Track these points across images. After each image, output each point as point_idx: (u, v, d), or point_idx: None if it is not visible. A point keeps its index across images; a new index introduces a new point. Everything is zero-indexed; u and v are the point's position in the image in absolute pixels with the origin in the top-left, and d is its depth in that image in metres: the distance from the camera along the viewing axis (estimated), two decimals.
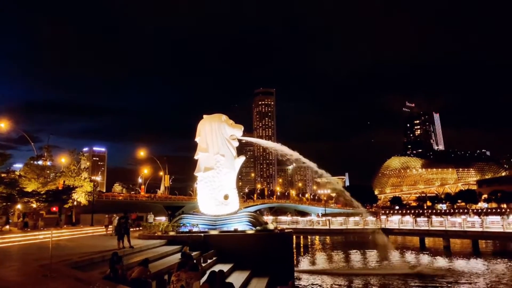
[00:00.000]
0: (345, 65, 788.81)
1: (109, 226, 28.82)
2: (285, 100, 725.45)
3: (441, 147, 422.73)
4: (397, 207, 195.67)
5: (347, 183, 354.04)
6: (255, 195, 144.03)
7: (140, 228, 29.31)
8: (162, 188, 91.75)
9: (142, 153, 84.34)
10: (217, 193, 26.39)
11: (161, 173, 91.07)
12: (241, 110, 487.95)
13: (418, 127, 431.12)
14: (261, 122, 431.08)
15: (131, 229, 22.13)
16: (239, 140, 27.80)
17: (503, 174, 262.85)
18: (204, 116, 28.01)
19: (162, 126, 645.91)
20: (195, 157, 27.07)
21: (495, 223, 39.05)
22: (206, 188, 26.63)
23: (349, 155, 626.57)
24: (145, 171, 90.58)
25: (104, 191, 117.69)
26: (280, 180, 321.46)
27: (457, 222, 41.66)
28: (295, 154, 28.53)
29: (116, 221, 25.69)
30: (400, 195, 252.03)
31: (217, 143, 26.38)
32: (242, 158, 28.07)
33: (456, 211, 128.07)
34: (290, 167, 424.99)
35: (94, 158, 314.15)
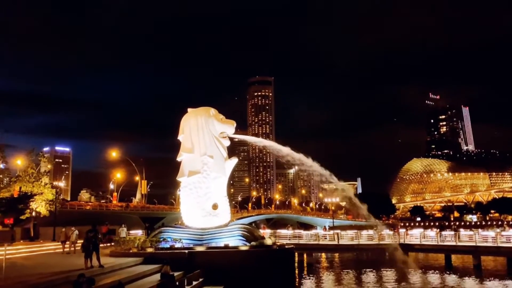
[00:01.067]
0: (357, 50, 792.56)
1: (66, 242, 28.17)
2: (286, 91, 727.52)
3: (471, 147, 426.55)
4: (418, 219, 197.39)
5: (360, 190, 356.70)
6: (250, 204, 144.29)
7: (112, 243, 29.21)
8: (138, 196, 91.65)
9: (114, 154, 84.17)
10: (204, 202, 26.49)
11: (137, 178, 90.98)
12: (233, 102, 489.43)
13: (444, 123, 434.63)
14: (257, 117, 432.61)
15: (101, 245, 22.06)
16: (231, 139, 28.01)
17: None
18: (189, 110, 28.20)
19: (139, 121, 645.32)
20: (178, 159, 27.21)
21: None
22: (191, 195, 26.74)
23: (362, 157, 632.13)
24: (118, 175, 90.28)
25: (69, 199, 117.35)
26: (280, 187, 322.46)
27: (490, 237, 41.97)
28: (299, 156, 28.62)
29: (75, 235, 25.58)
30: (422, 204, 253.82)
31: (204, 142, 26.51)
32: (235, 160, 28.20)
33: (489, 223, 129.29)
34: (292, 170, 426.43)
35: (57, 160, 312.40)
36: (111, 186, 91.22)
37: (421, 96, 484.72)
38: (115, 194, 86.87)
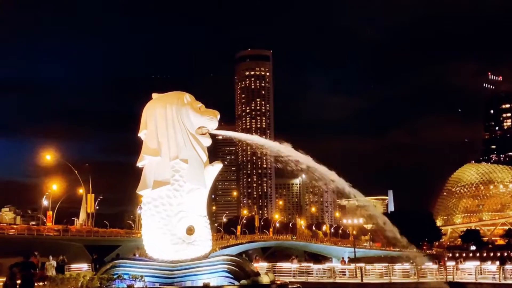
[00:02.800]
0: (392, 13, 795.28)
1: None
2: (289, 71, 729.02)
3: None
4: (473, 247, 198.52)
5: (391, 207, 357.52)
6: (239, 228, 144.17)
7: (45, 282, 29.06)
8: (82, 215, 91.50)
9: (48, 157, 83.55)
10: (176, 224, 26.54)
11: (82, 191, 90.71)
12: (215, 85, 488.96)
13: (509, 114, 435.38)
14: (249, 106, 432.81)
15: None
16: (213, 136, 27.94)
17: None
18: (154, 95, 28.15)
19: (84, 111, 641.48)
20: (139, 164, 27.22)
21: None
22: (157, 215, 26.75)
23: (395, 162, 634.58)
24: (54, 187, 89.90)
25: None
26: (281, 203, 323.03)
27: None
28: (307, 161, 28.70)
29: None
30: (478, 228, 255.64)
31: (176, 140, 26.53)
32: (218, 166, 28.22)
33: None
34: (297, 180, 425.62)
35: None
36: (45, 202, 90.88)
37: (477, 77, 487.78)
38: (49, 213, 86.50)
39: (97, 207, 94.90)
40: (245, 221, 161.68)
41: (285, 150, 28.95)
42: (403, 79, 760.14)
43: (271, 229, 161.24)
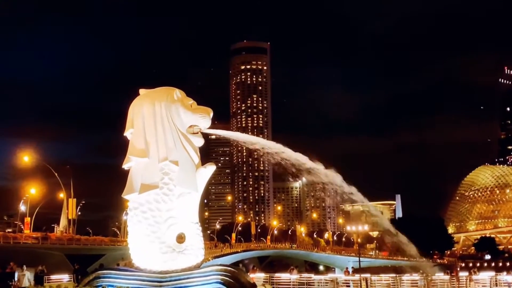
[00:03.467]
0: (395, 5, 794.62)
1: None
2: (289, 65, 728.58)
3: None
4: (488, 257, 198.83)
5: (399, 213, 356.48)
6: (234, 235, 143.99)
7: None
8: (63, 222, 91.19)
9: (26, 158, 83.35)
10: (165, 232, 26.35)
11: (62, 195, 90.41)
12: (208, 80, 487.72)
13: None
14: (244, 102, 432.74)
15: None
16: (206, 136, 27.81)
17: None
18: (141, 91, 28.02)
19: (66, 110, 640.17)
20: (125, 166, 27.06)
21: None
22: (145, 222, 26.59)
23: (403, 164, 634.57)
24: (33, 191, 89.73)
25: None
26: (280, 208, 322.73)
27: None
28: (309, 164, 28.75)
29: None
30: (493, 235, 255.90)
31: (165, 140, 26.41)
32: (211, 169, 27.97)
33: None
34: (297, 184, 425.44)
35: None
36: (22, 208, 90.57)
37: (493, 72, 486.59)
38: (27, 219, 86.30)
39: (79, 213, 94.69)
40: (240, 228, 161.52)
41: (283, 150, 29.09)
42: (413, 75, 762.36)
43: (268, 237, 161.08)
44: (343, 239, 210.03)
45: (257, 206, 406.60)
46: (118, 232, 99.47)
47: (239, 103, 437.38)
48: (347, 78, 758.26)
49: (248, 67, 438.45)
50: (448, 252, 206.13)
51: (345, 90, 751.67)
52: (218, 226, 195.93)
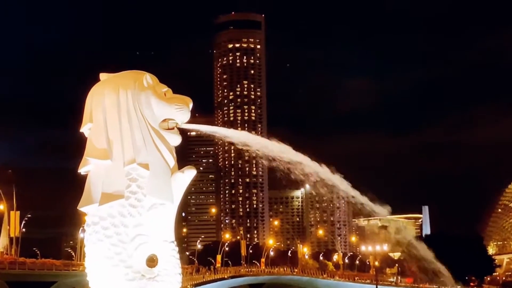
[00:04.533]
0: None
1: None
2: (287, 43, 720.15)
3: None
4: None
5: (427, 230, 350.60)
6: (220, 257, 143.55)
7: None
8: (3, 241, 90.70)
9: None
10: (132, 253, 24.77)
11: (2, 207, 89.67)
12: (186, 62, 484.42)
13: None
14: (232, 90, 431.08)
15: None
16: (184, 132, 26.49)
17: None
18: (102, 76, 26.59)
19: (6, 102, 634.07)
20: (81, 171, 25.61)
21: None
22: (107, 240, 25.03)
23: (430, 168, 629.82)
24: None
25: None
26: (277, 223, 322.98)
27: None
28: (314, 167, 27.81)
29: None
30: None
31: (132, 138, 25.09)
32: (191, 173, 26.39)
33: None
34: (299, 192, 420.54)
35: None
36: None
37: None
38: None
39: (24, 230, 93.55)
40: (227, 249, 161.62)
41: (282, 150, 28.27)
42: (441, 59, 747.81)
43: (263, 259, 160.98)
44: (357, 262, 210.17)
45: (248, 221, 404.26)
46: (73, 254, 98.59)
47: (226, 91, 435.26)
48: (361, 62, 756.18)
49: (237, 45, 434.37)
50: (489, 278, 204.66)
51: (358, 77, 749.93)
52: (199, 246, 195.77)
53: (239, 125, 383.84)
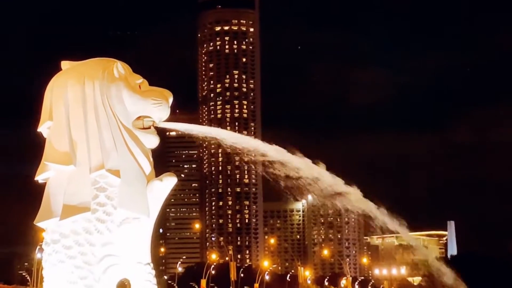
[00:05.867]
0: None
1: None
2: (286, 26, 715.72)
3: None
4: None
5: (452, 250, 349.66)
6: (204, 282, 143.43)
7: None
8: None
9: None
10: (100, 277, 24.72)
11: None
12: (166, 47, 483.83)
13: None
14: (220, 81, 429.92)
15: None
16: (162, 133, 26.52)
17: None
18: (64, 64, 26.54)
19: None
20: (38, 178, 25.53)
21: None
22: (70, 262, 24.94)
23: (456, 173, 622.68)
24: None
25: None
26: (273, 241, 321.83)
27: None
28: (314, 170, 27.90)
29: None
30: None
31: (100, 139, 24.93)
32: (170, 182, 26.27)
33: None
34: (299, 205, 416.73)
35: None
36: None
37: None
38: None
39: None
40: (214, 272, 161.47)
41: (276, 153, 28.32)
42: (472, 43, 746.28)
43: (256, 285, 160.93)
44: (371, 286, 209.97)
45: (239, 239, 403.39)
46: (28, 278, 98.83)
47: (212, 82, 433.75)
48: (371, 47, 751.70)
49: (226, 28, 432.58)
50: None
51: (371, 65, 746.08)
52: (180, 269, 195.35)
53: (228, 123, 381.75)
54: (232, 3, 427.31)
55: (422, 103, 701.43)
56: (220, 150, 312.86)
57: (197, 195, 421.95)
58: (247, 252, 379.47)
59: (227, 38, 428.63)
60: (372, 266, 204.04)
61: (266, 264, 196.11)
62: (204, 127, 36.92)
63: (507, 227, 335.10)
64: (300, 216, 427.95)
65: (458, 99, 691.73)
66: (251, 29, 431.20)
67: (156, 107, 25.60)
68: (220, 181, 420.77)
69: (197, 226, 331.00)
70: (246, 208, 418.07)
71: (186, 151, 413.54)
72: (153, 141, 25.99)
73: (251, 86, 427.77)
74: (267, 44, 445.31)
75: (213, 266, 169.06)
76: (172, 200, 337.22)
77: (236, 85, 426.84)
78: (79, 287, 24.61)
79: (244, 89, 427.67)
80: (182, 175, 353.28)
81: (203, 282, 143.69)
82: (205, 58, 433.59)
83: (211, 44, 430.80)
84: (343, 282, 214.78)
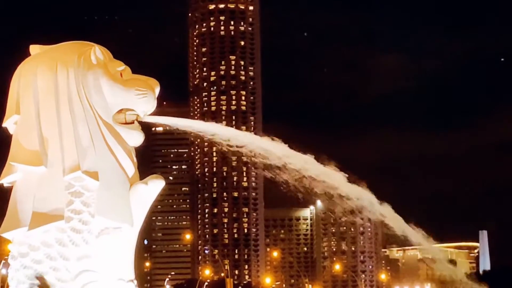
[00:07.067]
0: None
1: None
2: (290, 5, 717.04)
3: None
4: None
5: (485, 264, 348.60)
6: None
7: None
8: None
9: None
10: None
11: None
12: (151, 30, 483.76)
13: None
14: (214, 68, 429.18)
15: None
16: (147, 128, 26.67)
17: None
18: (33, 49, 26.65)
19: None
20: (3, 181, 25.67)
21: None
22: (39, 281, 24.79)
23: (488, 177, 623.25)
24: None
25: None
26: (277, 254, 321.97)
27: None
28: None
29: None
30: None
31: (75, 135, 24.93)
32: (156, 185, 26.52)
33: None
34: (307, 212, 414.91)
35: None
36: None
37: None
38: None
39: None
40: None
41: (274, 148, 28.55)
42: (500, 24, 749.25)
43: None
44: None
45: (236, 251, 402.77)
46: None
47: (205, 70, 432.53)
48: (394, 31, 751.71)
49: (221, 6, 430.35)
50: None
51: (391, 52, 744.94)
52: (168, 287, 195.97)
53: (223, 117, 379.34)
54: None
55: (446, 95, 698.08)
56: (214, 149, 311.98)
57: (188, 200, 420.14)
58: (246, 267, 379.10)
59: (222, 18, 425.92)
60: (391, 283, 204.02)
61: (268, 281, 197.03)
62: (195, 122, 36.60)
63: None
64: (307, 225, 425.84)
65: (487, 90, 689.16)
66: (250, 8, 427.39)
67: (140, 98, 25.47)
68: (215, 185, 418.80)
69: (187, 237, 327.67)
70: (245, 215, 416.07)
71: (175, 150, 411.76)
72: (136, 138, 26.00)
73: (251, 74, 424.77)
74: (269, 25, 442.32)
75: (206, 283, 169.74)
76: (159, 206, 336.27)
77: (233, 72, 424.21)
78: None
79: (243, 78, 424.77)
80: (171, 178, 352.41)
81: None
82: (197, 41, 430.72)
83: (204, 25, 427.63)
84: None
